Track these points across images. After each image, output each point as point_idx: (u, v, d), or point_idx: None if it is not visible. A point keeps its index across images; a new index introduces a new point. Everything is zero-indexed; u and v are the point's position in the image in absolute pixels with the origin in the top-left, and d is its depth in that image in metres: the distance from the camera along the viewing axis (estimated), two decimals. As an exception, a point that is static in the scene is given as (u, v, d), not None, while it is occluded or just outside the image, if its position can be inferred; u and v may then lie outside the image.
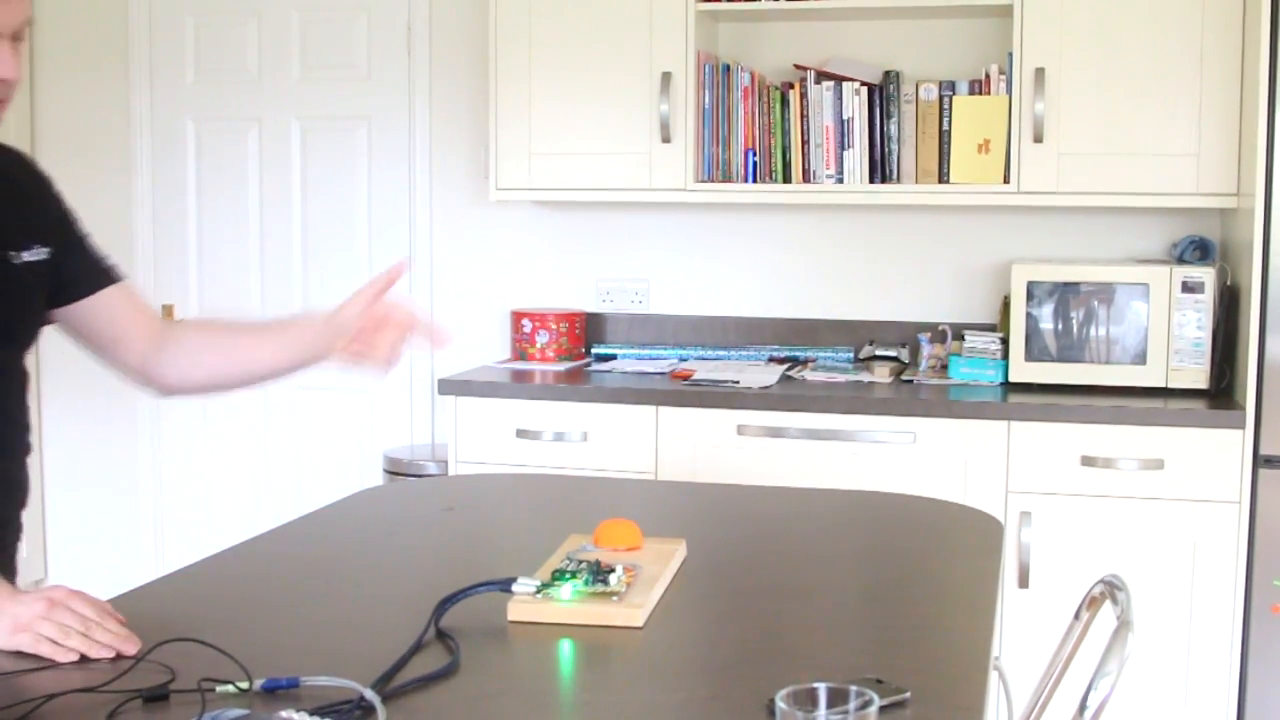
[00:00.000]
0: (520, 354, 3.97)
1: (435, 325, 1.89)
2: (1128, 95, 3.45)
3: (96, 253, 1.94)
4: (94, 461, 4.63)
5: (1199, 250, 3.58)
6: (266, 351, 1.95)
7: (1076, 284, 3.46)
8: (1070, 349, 3.46)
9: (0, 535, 1.88)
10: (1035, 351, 3.47)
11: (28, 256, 1.82)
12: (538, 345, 3.94)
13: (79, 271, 1.92)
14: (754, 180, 3.76)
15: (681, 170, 3.72)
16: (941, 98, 3.63)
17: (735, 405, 3.46)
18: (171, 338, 1.99)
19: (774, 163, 3.74)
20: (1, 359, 1.84)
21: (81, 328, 1.94)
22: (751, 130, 3.75)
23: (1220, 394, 3.37)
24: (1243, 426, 3.19)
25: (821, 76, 3.72)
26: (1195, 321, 3.36)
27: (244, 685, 1.39)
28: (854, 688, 1.23)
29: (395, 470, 4.06)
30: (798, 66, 3.81)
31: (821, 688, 1.24)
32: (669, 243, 4.11)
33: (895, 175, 3.67)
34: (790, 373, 3.73)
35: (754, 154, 3.75)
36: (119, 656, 1.50)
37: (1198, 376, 3.37)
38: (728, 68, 3.76)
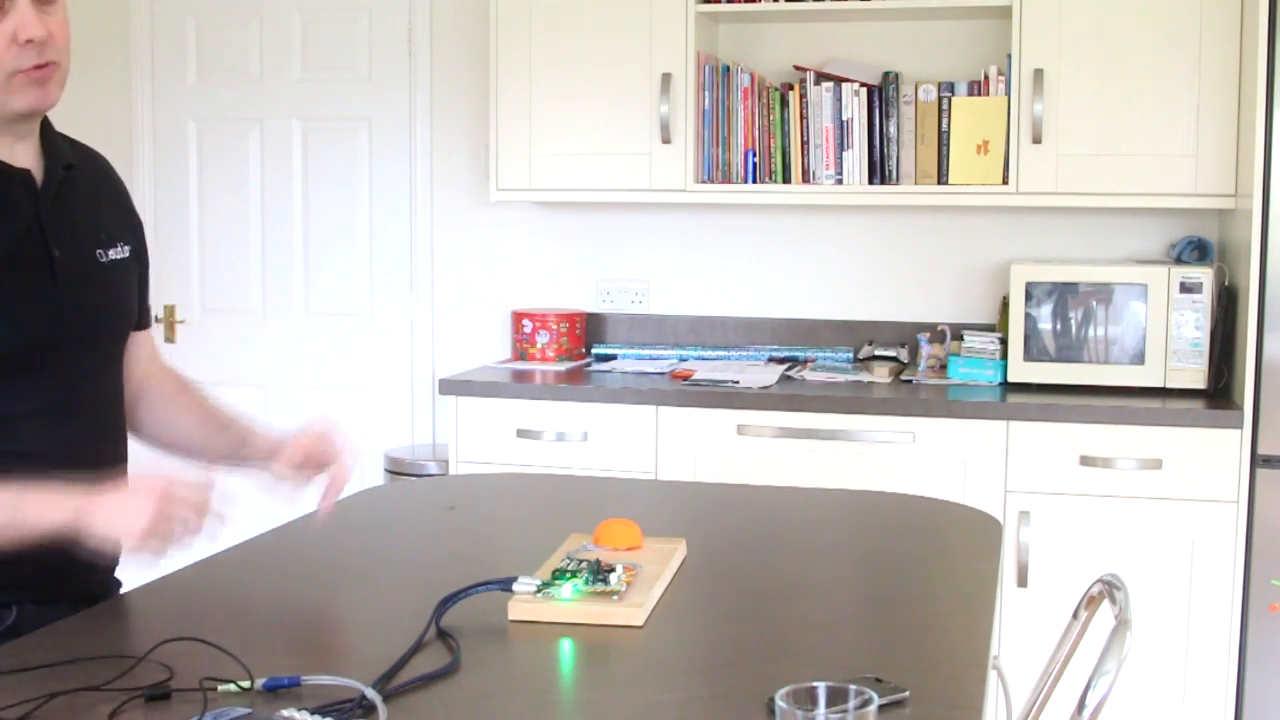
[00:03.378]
0: (521, 354, 3.98)
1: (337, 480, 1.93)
2: (1126, 96, 3.45)
3: (145, 289, 1.95)
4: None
5: (1197, 251, 3.58)
6: (217, 449, 1.96)
7: (1075, 284, 3.46)
8: (1069, 349, 3.46)
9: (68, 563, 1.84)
10: (1034, 352, 3.48)
11: (114, 254, 1.83)
12: (538, 345, 3.94)
13: (135, 295, 1.93)
14: (754, 181, 3.76)
15: (681, 171, 3.72)
16: (940, 99, 3.63)
17: (735, 405, 3.47)
18: (153, 388, 1.98)
19: (774, 163, 3.75)
20: (99, 361, 1.83)
21: None
22: (751, 131, 3.76)
23: (1218, 394, 3.38)
24: (1241, 426, 3.19)
25: (821, 78, 3.72)
26: (1193, 322, 3.37)
27: (245, 684, 1.40)
28: (853, 687, 1.24)
29: (396, 470, 4.06)
30: (797, 68, 3.81)
31: (821, 687, 1.24)
32: (669, 243, 4.12)
33: (894, 176, 3.68)
34: (790, 373, 3.73)
35: (754, 155, 3.76)
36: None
37: (1196, 376, 3.38)
38: (728, 69, 3.77)
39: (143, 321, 1.96)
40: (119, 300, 1.86)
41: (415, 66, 4.26)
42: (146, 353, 1.98)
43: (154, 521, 1.52)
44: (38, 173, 1.75)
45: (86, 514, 1.55)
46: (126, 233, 1.89)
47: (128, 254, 1.87)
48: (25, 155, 1.73)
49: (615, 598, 1.67)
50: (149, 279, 1.96)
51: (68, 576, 1.73)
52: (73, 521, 1.55)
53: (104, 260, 1.81)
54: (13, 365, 1.68)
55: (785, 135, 3.73)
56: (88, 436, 1.80)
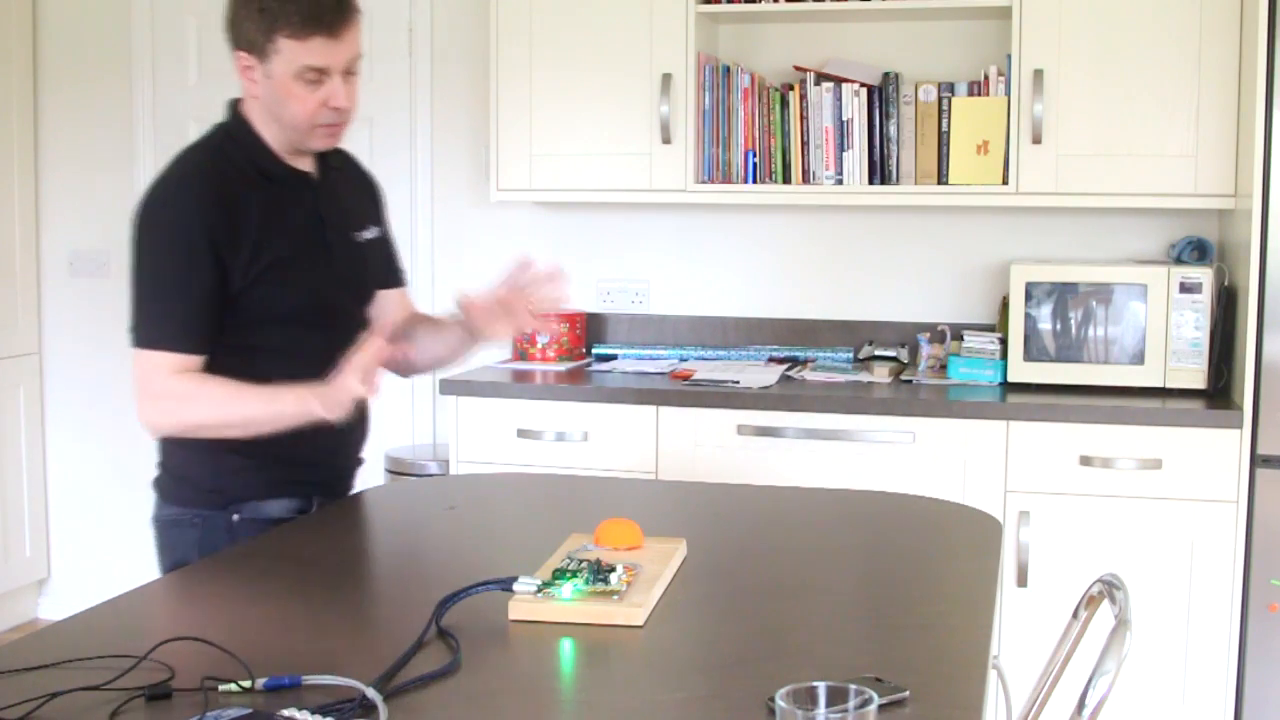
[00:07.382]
0: (521, 354, 3.98)
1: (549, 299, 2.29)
2: (1126, 97, 3.45)
3: (396, 253, 2.47)
4: (96, 461, 4.63)
5: (1197, 251, 3.59)
6: (448, 348, 2.42)
7: (1075, 284, 3.46)
8: (1069, 349, 3.47)
9: (344, 466, 2.37)
10: (1034, 352, 3.48)
11: (367, 235, 2.36)
12: (539, 345, 3.94)
13: (383, 265, 2.44)
14: (754, 181, 3.76)
15: (682, 171, 3.73)
16: (940, 99, 3.63)
17: (735, 405, 3.47)
18: (413, 334, 2.42)
19: (774, 164, 3.75)
20: (356, 318, 2.31)
21: None
22: (751, 131, 3.76)
23: (1218, 394, 3.38)
24: (1240, 426, 3.19)
25: (821, 78, 3.72)
26: (1193, 322, 3.37)
27: (246, 684, 1.40)
28: (853, 686, 1.24)
29: (397, 470, 4.06)
30: (797, 68, 3.81)
31: (821, 686, 1.24)
32: (669, 243, 4.12)
33: (894, 176, 3.68)
34: (790, 373, 3.73)
35: (754, 155, 3.76)
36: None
37: (1196, 376, 3.38)
38: (728, 69, 3.77)
39: (398, 280, 2.48)
40: (371, 272, 2.38)
41: (415, 66, 4.26)
42: (403, 304, 2.48)
43: (346, 387, 1.99)
44: (314, 175, 2.28)
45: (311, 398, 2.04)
46: (375, 216, 2.41)
47: (376, 234, 2.38)
48: (305, 162, 2.28)
49: (615, 597, 1.67)
50: (394, 245, 2.48)
51: (343, 476, 2.37)
52: (303, 403, 2.04)
53: (360, 240, 2.33)
54: (307, 318, 2.21)
55: (785, 135, 3.73)
56: None
